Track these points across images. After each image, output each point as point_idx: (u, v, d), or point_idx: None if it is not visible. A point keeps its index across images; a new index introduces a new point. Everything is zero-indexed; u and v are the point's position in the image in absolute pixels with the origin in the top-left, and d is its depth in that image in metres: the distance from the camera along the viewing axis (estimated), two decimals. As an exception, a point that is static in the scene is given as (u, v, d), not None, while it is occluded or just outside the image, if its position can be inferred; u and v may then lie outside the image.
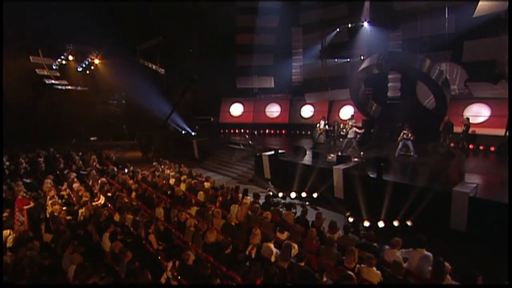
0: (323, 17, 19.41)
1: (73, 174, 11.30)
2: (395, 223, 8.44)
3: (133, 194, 9.43)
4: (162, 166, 13.13)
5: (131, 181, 10.32)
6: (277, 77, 22.01)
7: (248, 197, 8.91)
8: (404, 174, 10.72)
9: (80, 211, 7.80)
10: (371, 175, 10.11)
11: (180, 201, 8.66)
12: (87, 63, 22.07)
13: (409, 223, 8.38)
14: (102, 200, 8.81)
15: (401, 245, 5.86)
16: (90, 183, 10.78)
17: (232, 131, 22.26)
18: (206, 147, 18.20)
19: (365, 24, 18.60)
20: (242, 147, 16.57)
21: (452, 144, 13.60)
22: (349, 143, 13.83)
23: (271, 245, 5.93)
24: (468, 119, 13.32)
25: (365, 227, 8.44)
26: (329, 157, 12.79)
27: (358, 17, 18.59)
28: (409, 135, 12.52)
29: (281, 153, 13.25)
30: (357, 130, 13.64)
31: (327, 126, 15.38)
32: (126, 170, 12.43)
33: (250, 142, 16.99)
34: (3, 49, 15.51)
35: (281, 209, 8.13)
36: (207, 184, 10.01)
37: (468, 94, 15.31)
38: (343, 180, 10.51)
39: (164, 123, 20.18)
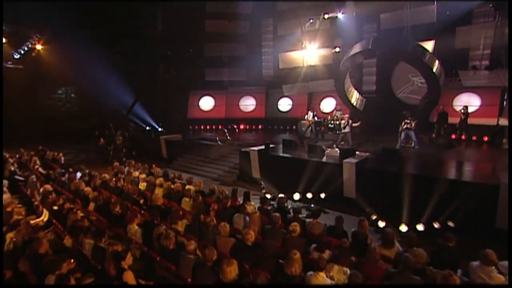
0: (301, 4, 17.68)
1: (5, 182, 8.23)
2: (435, 225, 6.74)
3: (91, 205, 6.73)
4: (127, 168, 10.36)
5: (87, 188, 7.54)
6: (250, 69, 19.81)
7: (252, 203, 6.68)
8: (424, 166, 9.16)
9: (8, 236, 5.03)
10: (390, 169, 8.36)
11: (161, 213, 6.18)
12: (26, 48, 18.15)
13: (451, 224, 6.72)
14: (45, 216, 6.03)
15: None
16: (29, 192, 7.80)
17: (202, 127, 19.71)
18: (175, 145, 15.52)
19: (339, 15, 17.20)
20: (219, 143, 14.18)
21: (453, 136, 12.47)
22: (345, 137, 12.10)
23: (323, 276, 3.80)
24: (466, 107, 12.23)
25: (400, 231, 6.63)
26: (328, 151, 10.93)
27: (336, 6, 17.08)
28: (412, 124, 11.07)
29: (272, 146, 11.13)
30: (354, 124, 11.96)
31: (316, 118, 13.55)
32: (79, 174, 9.50)
33: (228, 137, 14.67)
34: None
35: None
36: (191, 188, 7.58)
37: (457, 83, 14.38)
38: (355, 176, 8.66)
39: (125, 118, 17.04)
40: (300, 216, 5.93)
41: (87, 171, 9.79)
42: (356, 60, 15.22)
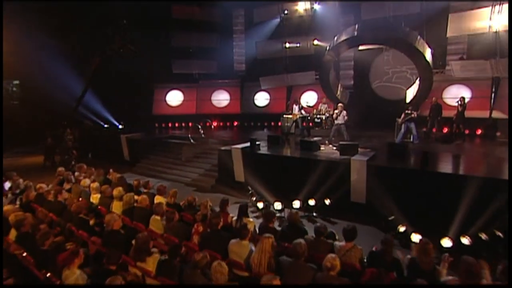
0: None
1: None
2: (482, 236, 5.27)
3: (12, 233, 4.45)
4: (76, 173, 8.01)
5: (9, 207, 5.21)
6: (223, 61, 17.86)
7: (251, 220, 4.81)
8: (452, 163, 7.82)
9: None
10: (412, 168, 6.87)
11: (118, 243, 4.12)
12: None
13: (500, 234, 5.30)
14: None
15: None
16: None
17: (170, 124, 17.38)
18: (139, 144, 13.16)
19: (316, 5, 15.85)
20: (192, 141, 12.08)
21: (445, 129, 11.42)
22: (338, 130, 10.54)
23: None
24: (463, 98, 11.19)
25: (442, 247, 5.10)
26: (322, 148, 9.32)
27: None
28: (414, 114, 9.76)
29: (257, 144, 9.28)
30: (346, 117, 10.41)
31: (303, 111, 11.91)
32: (7, 185, 7.03)
33: (203, 134, 12.61)
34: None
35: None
36: (163, 201, 5.54)
37: (444, 75, 13.45)
38: (366, 176, 7.07)
39: (75, 112, 14.26)
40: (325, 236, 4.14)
41: (21, 180, 7.33)
42: (341, 49, 13.83)
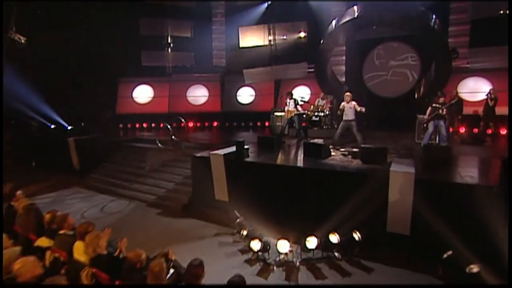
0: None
1: None
2: None
3: None
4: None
5: None
6: (200, 52, 15.27)
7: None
8: None
9: None
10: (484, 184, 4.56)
11: None
12: None
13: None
14: None
15: None
16: None
17: (138, 125, 14.54)
18: (93, 149, 10.28)
19: None
20: (160, 145, 9.40)
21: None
22: (345, 129, 8.15)
23: None
24: (494, 90, 9.17)
25: None
26: (334, 154, 6.94)
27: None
28: (443, 110, 7.56)
29: (246, 148, 6.74)
30: (358, 108, 7.98)
31: (299, 108, 9.48)
32: None
33: (173, 137, 9.94)
34: None
35: None
36: (82, 259, 2.90)
37: (463, 66, 11.46)
38: (413, 197, 4.70)
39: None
40: None
41: None
42: (340, 35, 11.63)
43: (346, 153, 7.11)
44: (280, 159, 6.57)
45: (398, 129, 10.65)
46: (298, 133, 9.68)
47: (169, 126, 10.11)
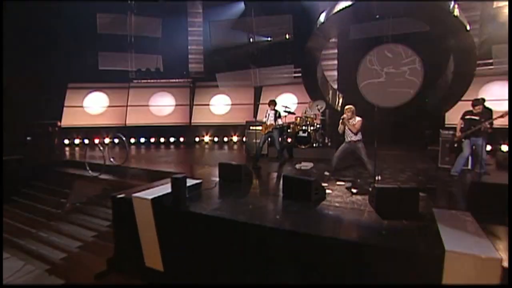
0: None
1: None
2: None
3: None
4: None
5: None
6: (169, 55, 12.91)
7: None
8: None
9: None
10: None
11: None
12: None
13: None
14: None
15: None
16: None
17: (87, 140, 11.88)
18: (10, 176, 7.57)
19: None
20: (90, 173, 6.82)
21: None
22: (348, 151, 5.70)
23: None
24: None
25: None
26: (329, 190, 4.50)
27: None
28: (486, 124, 5.23)
29: (195, 185, 4.27)
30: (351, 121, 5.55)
31: (279, 120, 7.06)
32: None
33: (112, 160, 7.37)
34: None
35: None
36: None
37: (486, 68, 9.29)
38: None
39: None
40: None
41: None
42: (332, 29, 9.41)
43: (350, 187, 4.73)
44: (242, 207, 4.08)
45: (407, 146, 8.44)
46: (279, 155, 7.25)
47: (101, 146, 7.51)
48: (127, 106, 12.38)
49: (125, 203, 4.43)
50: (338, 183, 5.17)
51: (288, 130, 8.68)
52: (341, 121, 5.48)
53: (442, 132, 6.18)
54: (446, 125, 8.65)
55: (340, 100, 10.50)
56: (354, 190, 4.68)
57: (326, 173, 5.72)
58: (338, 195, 4.49)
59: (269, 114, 7.11)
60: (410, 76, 9.66)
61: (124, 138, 7.56)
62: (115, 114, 12.24)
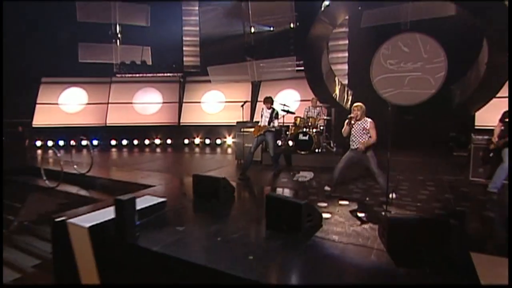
0: None
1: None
2: None
3: None
4: None
5: None
6: (158, 47, 12.28)
7: None
8: None
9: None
10: None
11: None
12: None
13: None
14: None
15: None
16: None
17: (61, 142, 11.19)
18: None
19: None
20: (46, 183, 6.09)
21: None
22: (353, 161, 4.83)
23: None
24: None
25: None
26: (327, 215, 3.65)
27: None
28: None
29: (157, 205, 3.50)
30: (373, 132, 4.67)
31: (275, 122, 6.24)
32: None
33: (75, 167, 6.63)
34: None
35: None
36: None
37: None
38: None
39: None
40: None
41: None
42: (340, 11, 8.57)
43: (355, 211, 3.89)
44: (208, 239, 3.27)
45: (428, 152, 7.61)
46: (275, 163, 6.43)
47: (57, 151, 6.76)
48: (108, 103, 11.72)
49: (64, 228, 3.65)
50: (340, 202, 4.33)
51: (287, 133, 7.86)
52: (346, 121, 4.62)
53: (474, 138, 5.28)
54: (476, 127, 7.78)
55: (350, 98, 9.63)
56: (360, 214, 3.83)
57: (327, 188, 4.87)
58: (338, 221, 3.64)
59: (264, 113, 6.31)
60: (432, 69, 8.82)
61: (88, 141, 6.79)
62: (94, 112, 11.60)
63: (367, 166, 4.59)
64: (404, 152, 7.68)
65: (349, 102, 9.51)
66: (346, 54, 10.59)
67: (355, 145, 4.60)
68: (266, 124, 6.15)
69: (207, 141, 11.41)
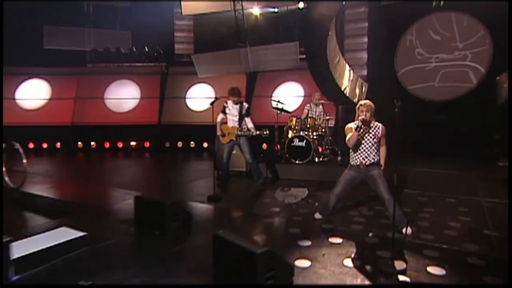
0: None
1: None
2: None
3: None
4: None
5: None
6: (141, 31, 11.62)
7: None
8: None
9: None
10: None
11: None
12: None
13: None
14: None
15: None
16: None
17: (16, 146, 10.53)
18: None
19: None
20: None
21: None
22: (355, 182, 3.95)
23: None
24: None
25: None
26: (306, 266, 2.78)
27: None
28: None
29: (73, 242, 2.73)
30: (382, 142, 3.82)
31: (250, 122, 5.52)
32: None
33: (7, 179, 5.95)
34: None
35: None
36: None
37: None
38: None
39: None
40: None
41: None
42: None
43: (349, 257, 3.01)
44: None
45: (464, 160, 6.93)
46: (256, 174, 5.64)
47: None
48: (75, 98, 11.17)
49: None
50: (331, 240, 3.47)
51: (264, 134, 6.85)
52: (355, 126, 3.70)
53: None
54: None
55: (364, 93, 8.73)
56: (350, 264, 2.95)
57: (317, 216, 4.02)
58: (319, 275, 2.78)
59: (230, 112, 5.58)
60: (472, 57, 8.14)
61: (19, 148, 6.10)
62: (58, 109, 11.01)
63: (375, 189, 3.72)
64: (432, 161, 6.82)
65: (364, 95, 8.66)
66: (366, 40, 9.81)
67: (360, 160, 3.73)
68: (236, 125, 5.47)
69: (192, 144, 10.70)
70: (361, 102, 3.80)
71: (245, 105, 5.70)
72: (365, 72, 9.78)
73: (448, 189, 5.34)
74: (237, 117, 5.52)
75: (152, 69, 11.64)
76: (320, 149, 6.66)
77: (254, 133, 5.46)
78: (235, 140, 5.53)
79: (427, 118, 8.28)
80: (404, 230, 3.55)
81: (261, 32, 10.13)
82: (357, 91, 8.90)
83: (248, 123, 5.58)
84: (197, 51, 11.61)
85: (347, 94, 8.25)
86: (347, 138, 3.77)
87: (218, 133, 5.78)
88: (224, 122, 5.85)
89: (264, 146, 9.39)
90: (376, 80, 9.12)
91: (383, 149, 3.82)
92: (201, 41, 11.62)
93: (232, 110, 5.56)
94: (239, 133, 5.50)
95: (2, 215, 4.10)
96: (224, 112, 5.76)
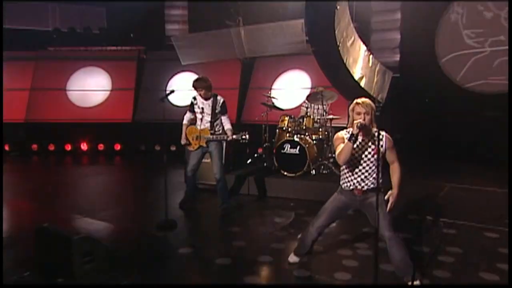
0: None
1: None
2: None
3: None
4: None
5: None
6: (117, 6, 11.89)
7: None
8: None
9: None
10: None
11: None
12: None
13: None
14: None
15: None
16: None
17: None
18: None
19: None
20: None
21: None
22: (347, 208, 3.32)
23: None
24: None
25: None
26: None
27: None
28: None
29: None
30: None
31: (227, 122, 5.03)
32: None
33: None
34: None
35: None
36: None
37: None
38: None
39: None
40: None
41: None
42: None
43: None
44: None
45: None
46: (222, 193, 5.12)
47: None
48: (30, 89, 11.10)
49: None
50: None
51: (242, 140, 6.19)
52: (348, 135, 3.04)
53: None
54: None
55: (387, 83, 8.14)
56: None
57: (292, 259, 3.40)
58: None
59: (202, 109, 5.00)
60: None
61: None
62: (9, 102, 10.78)
63: (372, 223, 3.07)
64: (480, 173, 6.18)
65: (386, 87, 8.08)
66: (399, 17, 10.11)
67: (355, 184, 3.10)
68: (207, 126, 4.97)
69: (173, 148, 10.24)
70: (358, 100, 3.11)
71: (220, 99, 5.13)
72: (397, 58, 9.89)
73: (480, 212, 4.73)
74: (210, 115, 4.95)
75: (127, 54, 11.50)
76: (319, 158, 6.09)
77: (230, 138, 4.92)
78: (206, 147, 5.02)
79: (478, 116, 8.21)
80: (410, 283, 2.89)
81: (257, 7, 9.81)
82: (378, 81, 8.27)
83: (225, 123, 5.10)
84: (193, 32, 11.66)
85: (362, 85, 7.62)
86: (337, 152, 3.10)
87: (183, 141, 5.28)
88: (193, 123, 5.32)
89: (260, 150, 9.02)
90: (408, 69, 9.04)
91: (394, 168, 3.13)
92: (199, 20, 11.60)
93: (206, 107, 5.03)
94: (210, 137, 4.95)
95: (2, 214, 4.50)
96: (192, 111, 5.20)
